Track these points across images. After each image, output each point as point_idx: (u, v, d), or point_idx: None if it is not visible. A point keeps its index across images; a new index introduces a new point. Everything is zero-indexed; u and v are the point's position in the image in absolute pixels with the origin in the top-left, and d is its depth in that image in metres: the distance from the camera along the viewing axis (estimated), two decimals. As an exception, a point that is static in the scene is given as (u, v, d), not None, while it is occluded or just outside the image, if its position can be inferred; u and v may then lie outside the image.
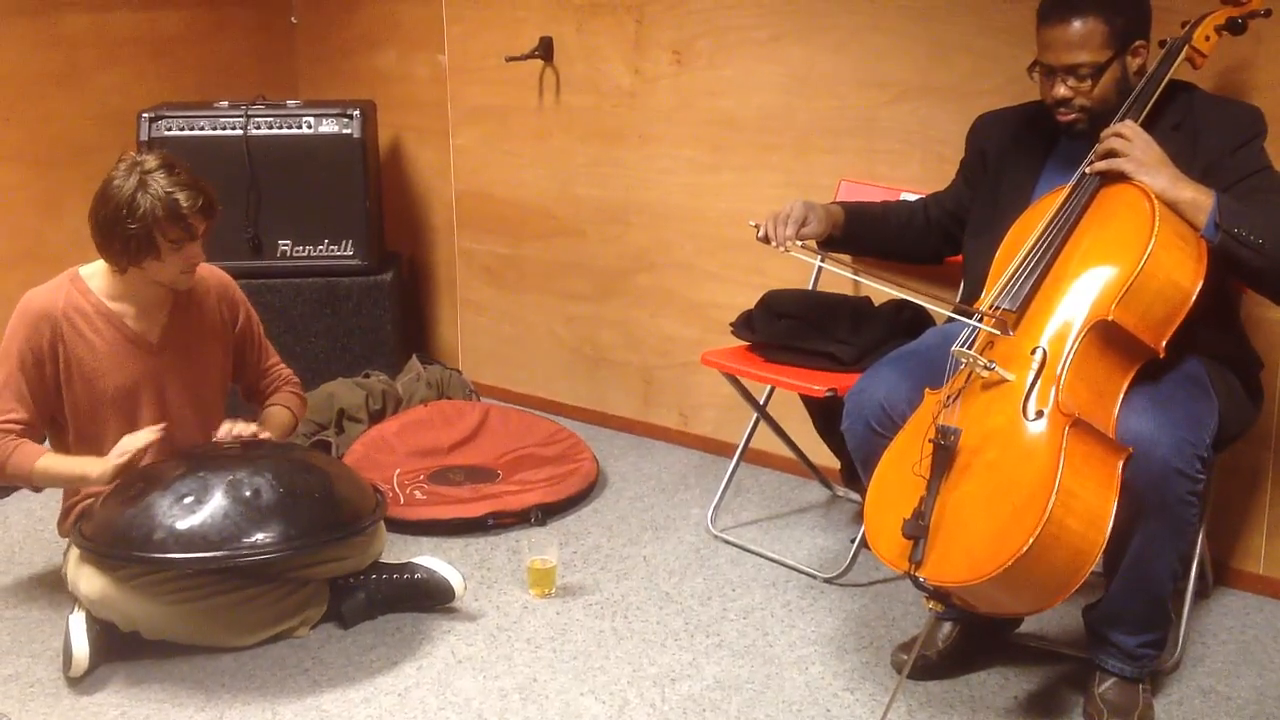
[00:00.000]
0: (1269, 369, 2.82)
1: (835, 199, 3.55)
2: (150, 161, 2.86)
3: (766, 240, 2.84)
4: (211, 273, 3.13)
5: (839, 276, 3.29)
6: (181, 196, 2.82)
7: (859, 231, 3.01)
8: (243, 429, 3.00)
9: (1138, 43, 2.65)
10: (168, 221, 2.82)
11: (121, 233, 2.83)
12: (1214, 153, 2.59)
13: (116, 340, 2.96)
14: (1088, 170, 2.58)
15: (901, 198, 3.40)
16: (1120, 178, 2.55)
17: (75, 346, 2.93)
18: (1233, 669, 2.84)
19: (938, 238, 3.04)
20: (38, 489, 3.02)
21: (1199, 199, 2.47)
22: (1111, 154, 2.54)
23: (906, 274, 3.31)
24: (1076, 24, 2.59)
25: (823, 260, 2.92)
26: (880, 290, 2.82)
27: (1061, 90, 2.64)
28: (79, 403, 2.96)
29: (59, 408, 2.97)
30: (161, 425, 2.92)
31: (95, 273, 2.98)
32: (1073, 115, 2.66)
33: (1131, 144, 2.53)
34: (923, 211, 3.06)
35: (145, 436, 2.88)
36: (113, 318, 2.96)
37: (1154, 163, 2.51)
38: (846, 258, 3.29)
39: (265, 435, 3.04)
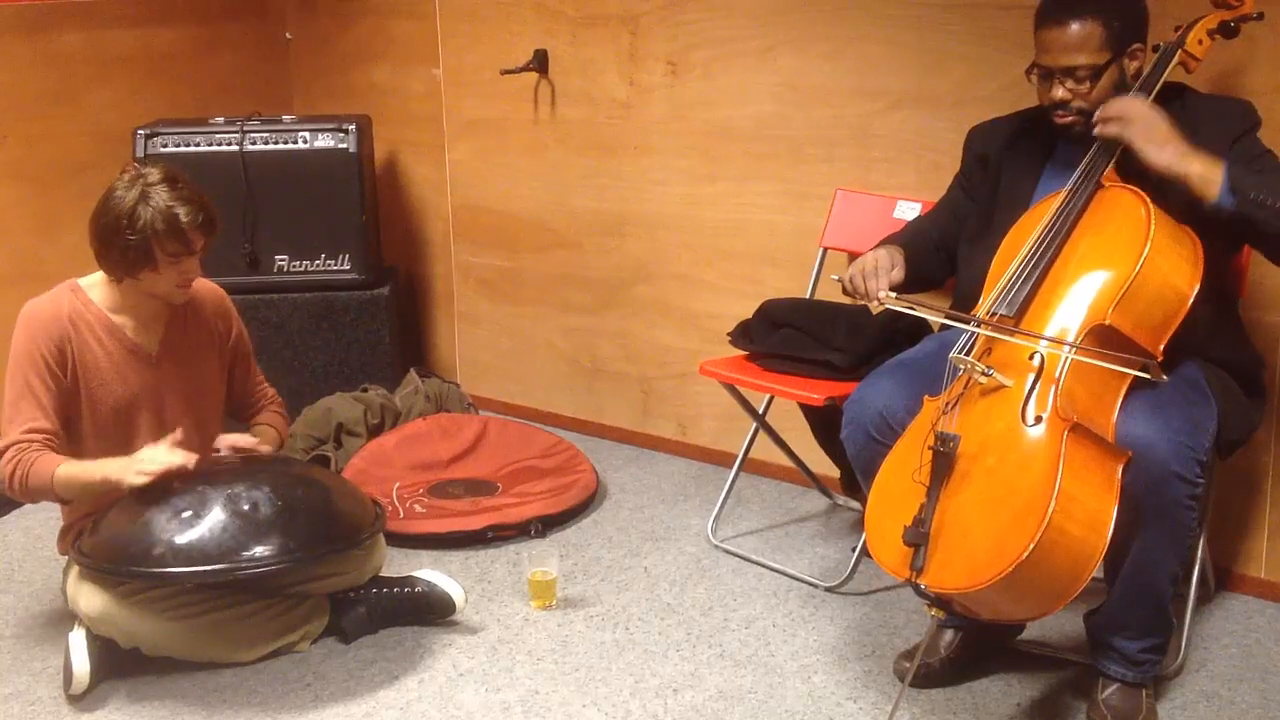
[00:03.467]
0: (1267, 372, 2.82)
1: (831, 207, 3.56)
2: (154, 174, 2.86)
3: (855, 295, 2.73)
4: (206, 286, 3.13)
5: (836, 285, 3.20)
6: (182, 211, 2.82)
7: (913, 266, 2.87)
8: (240, 440, 3.00)
9: (1135, 46, 2.66)
10: (166, 235, 2.82)
11: (120, 243, 2.83)
12: (1213, 148, 2.59)
13: (118, 351, 2.96)
14: (1095, 131, 2.58)
15: (897, 205, 3.41)
16: (1115, 181, 2.56)
17: (83, 353, 2.92)
18: (1236, 673, 2.84)
19: (945, 259, 3.00)
20: (64, 500, 2.97)
21: (1208, 172, 2.46)
22: (1117, 138, 2.54)
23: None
24: (1075, 26, 2.60)
25: (892, 304, 2.70)
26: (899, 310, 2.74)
27: (1060, 92, 2.64)
28: (80, 413, 2.95)
29: (73, 414, 2.95)
30: (189, 460, 2.83)
31: (94, 284, 2.98)
32: (1070, 118, 2.66)
33: (1137, 116, 2.52)
34: (927, 235, 3.00)
35: (173, 459, 2.80)
36: (114, 329, 2.96)
37: (1161, 138, 2.50)
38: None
39: (265, 448, 3.04)
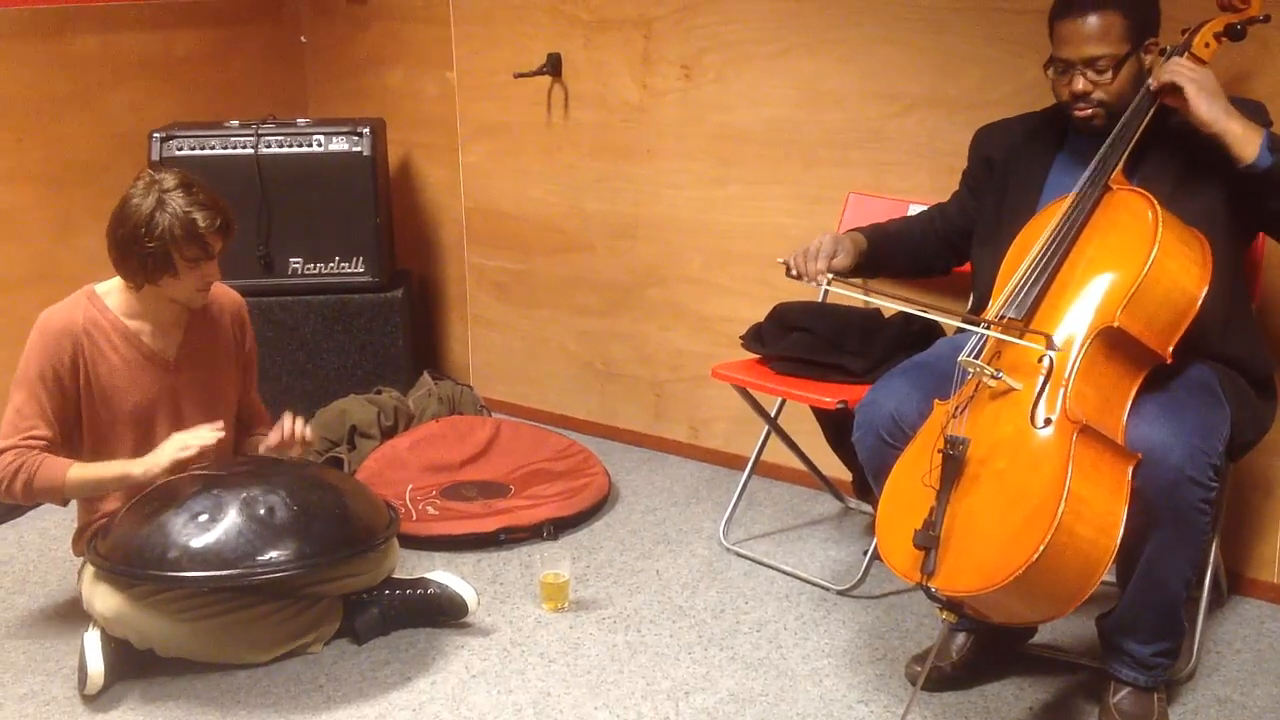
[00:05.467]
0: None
1: (844, 211, 3.56)
2: (169, 180, 2.88)
3: (797, 276, 2.83)
4: (225, 292, 3.15)
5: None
6: (199, 216, 2.84)
7: (882, 256, 3.01)
8: (301, 428, 3.04)
9: (1150, 40, 2.67)
10: (185, 241, 2.83)
11: (139, 251, 2.84)
12: None
13: (135, 358, 2.97)
14: (1151, 86, 2.60)
15: (910, 209, 3.41)
16: (1122, 184, 2.57)
17: (96, 363, 2.94)
18: (1248, 677, 2.84)
19: (946, 250, 3.06)
20: (65, 502, 3.01)
21: (1249, 132, 2.50)
22: (1175, 82, 2.56)
23: (917, 285, 3.32)
24: (1094, 18, 2.61)
25: (830, 285, 2.84)
26: (895, 307, 2.81)
27: (1080, 84, 2.64)
28: (96, 420, 2.97)
29: (76, 425, 2.97)
30: (220, 424, 2.94)
31: (111, 290, 3.00)
32: (1090, 110, 2.66)
33: (1195, 70, 2.55)
34: (931, 224, 3.06)
35: (207, 435, 2.89)
36: (131, 335, 2.98)
37: (1212, 92, 2.54)
38: (856, 282, 3.25)
39: (310, 433, 3.09)
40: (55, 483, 2.87)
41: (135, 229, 2.83)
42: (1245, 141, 2.49)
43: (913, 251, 3.05)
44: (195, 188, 2.88)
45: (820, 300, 3.49)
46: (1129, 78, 2.65)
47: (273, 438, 3.07)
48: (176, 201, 2.83)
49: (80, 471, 2.88)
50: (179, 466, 2.89)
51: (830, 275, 2.79)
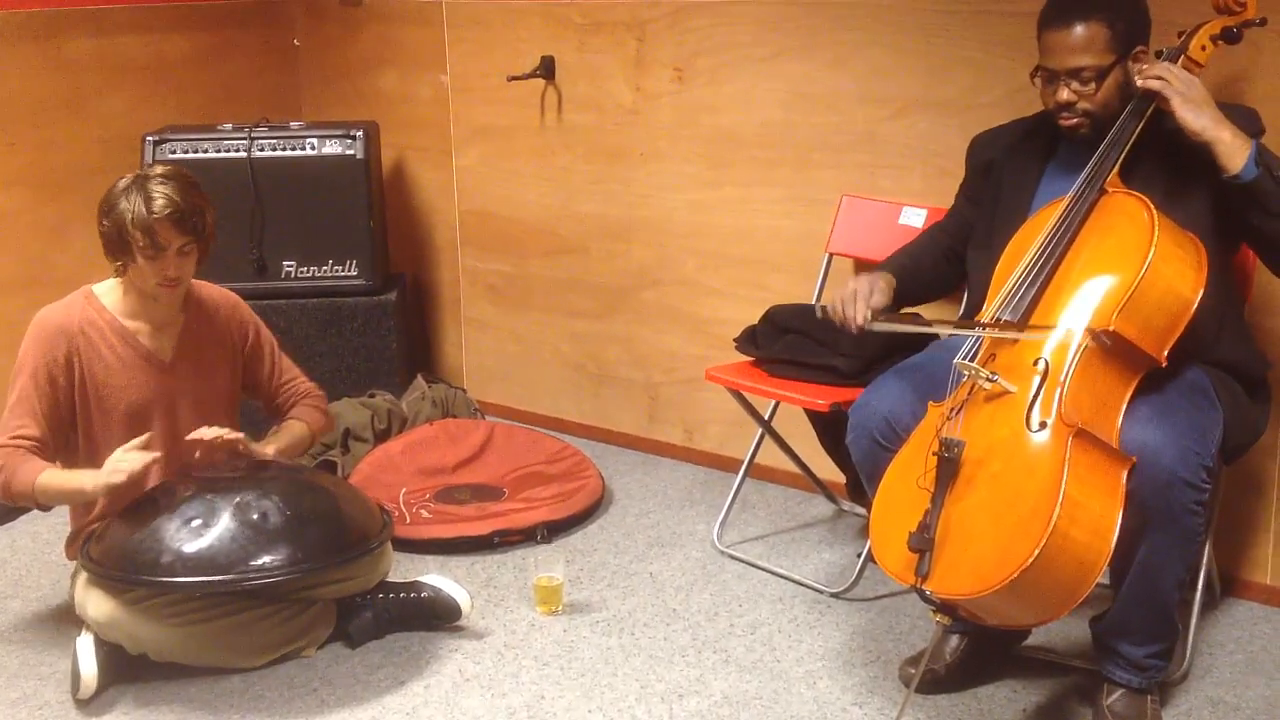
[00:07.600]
0: (1272, 374, 2.81)
1: (837, 213, 3.56)
2: (159, 169, 2.89)
3: (842, 324, 2.74)
4: (219, 293, 3.14)
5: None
6: (157, 205, 2.81)
7: (909, 288, 2.95)
8: (216, 433, 2.92)
9: (1138, 48, 2.67)
10: (134, 225, 2.81)
11: (100, 227, 2.87)
12: None
13: (131, 357, 2.97)
14: (1139, 82, 2.59)
15: (903, 212, 3.41)
16: (1118, 187, 2.57)
17: (91, 362, 2.93)
18: (1241, 679, 2.84)
19: (958, 265, 3.02)
20: (45, 508, 2.99)
21: (1237, 141, 2.49)
22: (1159, 91, 2.55)
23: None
24: (1079, 28, 2.61)
25: (872, 325, 2.72)
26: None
27: (1065, 94, 2.65)
28: (91, 419, 2.96)
29: (71, 425, 2.96)
30: (155, 455, 2.87)
31: (108, 290, 3.00)
32: (1075, 120, 2.67)
33: (1180, 79, 2.54)
34: (937, 246, 3.03)
35: (139, 460, 2.81)
36: (127, 335, 2.97)
37: (1198, 101, 2.52)
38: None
39: (227, 436, 2.95)
40: (27, 487, 2.84)
41: (102, 204, 2.86)
42: (1233, 151, 2.48)
43: (929, 281, 3.03)
44: (176, 180, 2.86)
45: (815, 301, 3.50)
46: (1115, 87, 2.64)
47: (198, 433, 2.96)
48: (146, 186, 2.83)
49: (48, 478, 2.85)
50: (114, 490, 2.81)
51: (869, 315, 2.71)
